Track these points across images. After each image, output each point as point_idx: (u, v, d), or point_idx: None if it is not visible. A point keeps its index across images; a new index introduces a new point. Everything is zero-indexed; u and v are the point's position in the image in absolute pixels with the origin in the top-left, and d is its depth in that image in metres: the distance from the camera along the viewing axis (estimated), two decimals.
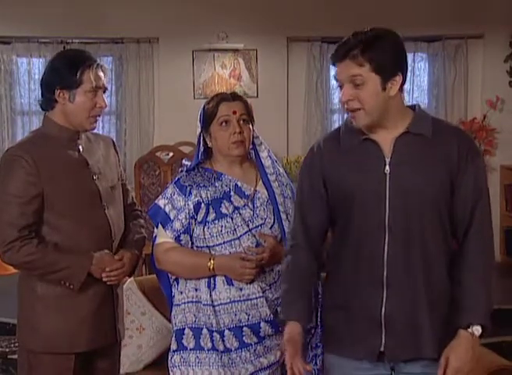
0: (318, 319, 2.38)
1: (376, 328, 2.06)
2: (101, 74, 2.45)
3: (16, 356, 3.93)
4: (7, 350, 3.87)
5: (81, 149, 2.51)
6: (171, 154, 5.86)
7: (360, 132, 2.08)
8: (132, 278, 3.63)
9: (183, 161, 2.54)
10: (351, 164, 2.08)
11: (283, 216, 2.44)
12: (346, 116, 2.20)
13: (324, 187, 2.12)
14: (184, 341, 2.42)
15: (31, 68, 6.74)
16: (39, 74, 6.79)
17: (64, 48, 6.66)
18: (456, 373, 2.01)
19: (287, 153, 6.85)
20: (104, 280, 2.47)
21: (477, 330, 2.03)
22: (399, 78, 2.02)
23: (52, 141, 2.47)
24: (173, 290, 2.52)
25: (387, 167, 2.04)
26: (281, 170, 2.56)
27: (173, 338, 2.48)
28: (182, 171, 2.51)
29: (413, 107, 2.14)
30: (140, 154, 6.29)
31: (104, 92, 2.48)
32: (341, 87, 2.04)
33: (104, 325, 2.54)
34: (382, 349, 2.07)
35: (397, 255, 2.03)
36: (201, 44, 6.75)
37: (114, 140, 2.76)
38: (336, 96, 6.96)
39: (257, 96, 6.91)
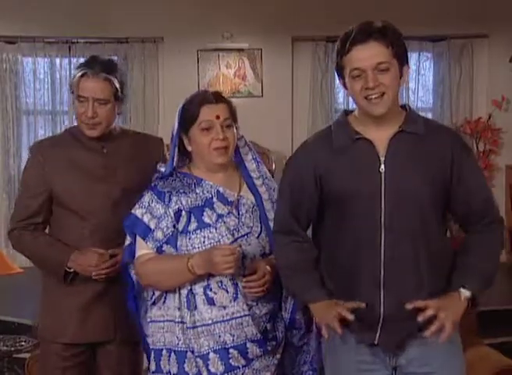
0: (312, 334, 2.33)
1: (373, 325, 2.07)
2: (89, 85, 2.44)
3: (20, 355, 3.97)
4: (12, 349, 3.88)
5: (105, 150, 2.54)
6: None
7: (353, 131, 2.07)
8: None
9: (158, 166, 2.36)
10: (345, 164, 2.06)
11: (271, 224, 2.25)
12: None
13: (315, 186, 2.10)
14: (162, 363, 2.27)
15: (36, 68, 6.73)
16: (44, 74, 6.81)
17: (69, 47, 6.69)
18: (438, 309, 1.98)
19: (292, 152, 6.83)
20: (94, 277, 2.46)
21: (464, 292, 2.02)
22: (407, 68, 2.04)
23: (73, 140, 2.56)
24: (151, 306, 2.32)
25: (382, 166, 2.03)
26: (268, 173, 2.39)
27: (151, 357, 2.31)
28: (157, 177, 2.33)
29: (403, 107, 2.13)
30: None
31: (105, 104, 2.46)
32: (356, 76, 1.99)
33: (93, 321, 2.54)
34: (375, 342, 2.08)
35: (394, 254, 2.02)
36: (206, 43, 6.75)
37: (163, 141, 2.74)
38: (341, 95, 6.98)
39: (262, 96, 6.91)
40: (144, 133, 2.85)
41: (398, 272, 2.03)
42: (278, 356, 2.28)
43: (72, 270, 2.48)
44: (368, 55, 1.96)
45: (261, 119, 6.64)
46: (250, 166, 2.36)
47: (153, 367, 2.30)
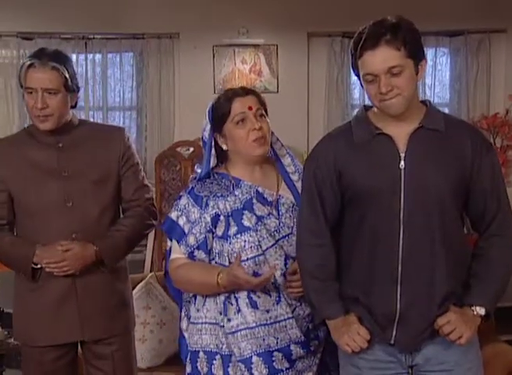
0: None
1: (389, 324, 2.06)
2: (37, 76, 2.41)
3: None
4: None
5: (60, 144, 2.51)
6: (191, 149, 5.87)
7: (373, 126, 2.07)
8: (152, 273, 3.65)
9: (196, 167, 2.32)
10: (365, 159, 2.05)
11: None
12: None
13: (337, 181, 2.09)
14: (199, 366, 2.25)
15: None
16: None
17: (85, 44, 6.72)
18: (447, 321, 2.01)
19: (307, 148, 6.82)
20: (46, 270, 2.44)
21: (480, 310, 2.05)
22: (424, 63, 2.02)
23: (28, 138, 2.54)
24: (192, 306, 2.32)
25: (402, 162, 2.02)
26: (302, 167, 2.33)
27: (187, 359, 2.30)
28: (195, 178, 2.30)
29: (424, 102, 2.12)
30: (161, 149, 6.30)
31: (55, 94, 2.42)
32: (368, 81, 1.99)
33: (66, 321, 2.51)
34: (391, 342, 2.08)
35: (412, 251, 2.02)
36: (222, 39, 6.74)
37: (126, 131, 2.68)
38: (357, 91, 6.95)
39: (278, 91, 6.90)
40: (105, 123, 2.78)
41: (416, 269, 2.02)
42: (319, 355, 2.28)
43: (39, 266, 2.46)
44: (379, 60, 1.94)
45: (277, 114, 6.53)
46: (286, 160, 2.33)
47: (188, 369, 2.28)
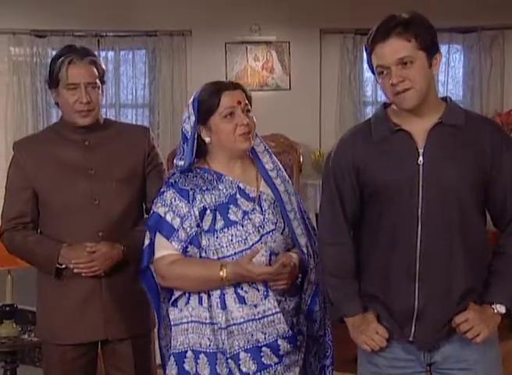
0: (328, 327, 2.33)
1: (408, 321, 2.06)
2: (78, 71, 2.43)
3: None
4: None
5: (86, 143, 2.52)
6: None
7: (392, 123, 2.07)
8: None
9: (175, 161, 2.27)
10: (384, 155, 2.05)
11: (291, 216, 2.25)
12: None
13: (356, 178, 2.09)
14: (186, 366, 2.19)
15: None
16: None
17: (98, 41, 6.74)
18: (465, 319, 2.01)
19: (320, 146, 6.82)
20: (75, 271, 2.44)
21: (500, 308, 2.03)
22: (439, 56, 2.02)
23: (55, 136, 2.54)
24: (172, 308, 2.26)
25: (420, 158, 2.02)
26: (280, 165, 2.35)
27: (171, 362, 2.22)
28: (174, 173, 2.26)
29: (444, 99, 2.12)
30: (173, 146, 6.32)
31: (95, 87, 2.45)
32: (382, 73, 1.99)
33: (90, 320, 2.50)
34: (410, 339, 2.07)
35: (430, 247, 2.01)
36: (234, 36, 6.75)
37: (150, 131, 2.70)
38: (370, 88, 6.92)
39: (290, 88, 6.89)
40: (129, 123, 2.79)
41: (433, 265, 2.02)
42: (303, 349, 2.27)
43: (64, 266, 2.45)
44: (389, 51, 1.96)
45: (289, 112, 6.63)
46: (264, 157, 2.31)
47: (174, 371, 2.21)
